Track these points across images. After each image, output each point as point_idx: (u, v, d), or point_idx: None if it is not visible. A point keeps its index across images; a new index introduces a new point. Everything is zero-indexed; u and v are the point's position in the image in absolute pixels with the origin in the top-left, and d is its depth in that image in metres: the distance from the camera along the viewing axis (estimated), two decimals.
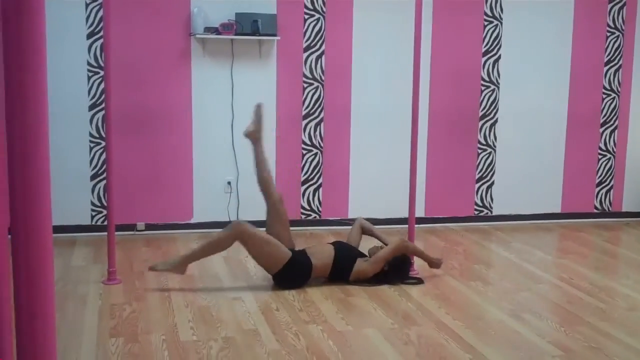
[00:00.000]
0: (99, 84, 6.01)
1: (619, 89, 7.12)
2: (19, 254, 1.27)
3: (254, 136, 5.16)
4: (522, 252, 5.99)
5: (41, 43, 1.36)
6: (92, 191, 6.16)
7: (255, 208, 6.43)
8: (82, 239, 6.05)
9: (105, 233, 5.04)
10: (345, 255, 5.07)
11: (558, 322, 4.36)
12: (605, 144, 7.16)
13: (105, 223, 5.34)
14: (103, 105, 5.79)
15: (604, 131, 7.14)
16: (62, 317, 4.25)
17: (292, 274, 4.90)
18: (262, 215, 6.39)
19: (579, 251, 6.11)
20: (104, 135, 5.95)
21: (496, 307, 4.62)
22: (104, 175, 5.95)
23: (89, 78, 6.03)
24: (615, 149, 7.20)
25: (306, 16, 6.36)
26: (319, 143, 6.53)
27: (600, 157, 7.18)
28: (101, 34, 5.84)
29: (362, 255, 5.13)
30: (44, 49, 1.38)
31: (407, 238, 5.30)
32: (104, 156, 5.99)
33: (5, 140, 1.29)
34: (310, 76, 6.43)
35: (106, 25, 4.75)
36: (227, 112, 6.31)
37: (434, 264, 5.24)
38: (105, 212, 6.02)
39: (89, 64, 6.01)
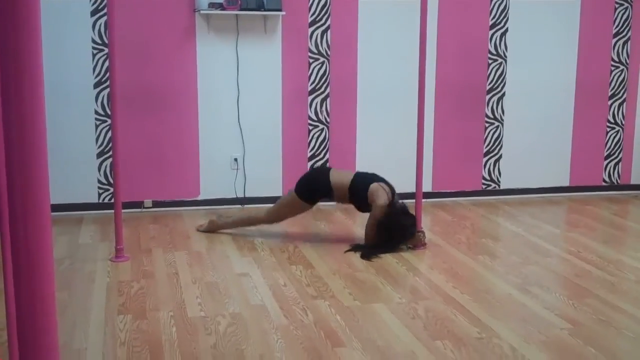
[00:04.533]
0: (103, 62, 5.99)
1: (628, 61, 7.05)
2: (17, 236, 1.27)
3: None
4: (530, 226, 5.98)
5: (36, 24, 1.34)
6: (99, 169, 6.16)
7: (261, 184, 6.46)
8: (89, 217, 6.06)
9: (112, 211, 5.05)
10: (361, 180, 5.35)
11: (566, 295, 4.35)
12: (613, 117, 7.11)
13: (112, 201, 5.34)
14: (108, 82, 5.77)
15: (612, 103, 7.09)
16: (70, 295, 4.27)
17: (309, 183, 5.46)
18: (268, 192, 6.45)
19: (587, 224, 6.09)
20: (109, 113, 5.93)
21: (504, 280, 4.62)
22: (110, 153, 5.94)
23: (94, 55, 6.01)
24: (623, 122, 7.15)
25: None
26: (325, 118, 6.51)
27: (608, 129, 7.13)
28: (105, 11, 5.82)
29: (381, 180, 5.34)
30: (38, 29, 1.36)
31: (415, 212, 5.30)
32: (109, 134, 5.98)
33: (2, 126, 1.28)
34: (315, 51, 6.40)
35: (110, 2, 4.71)
36: (233, 88, 6.29)
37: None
38: (112, 189, 6.02)
39: (93, 41, 5.99)
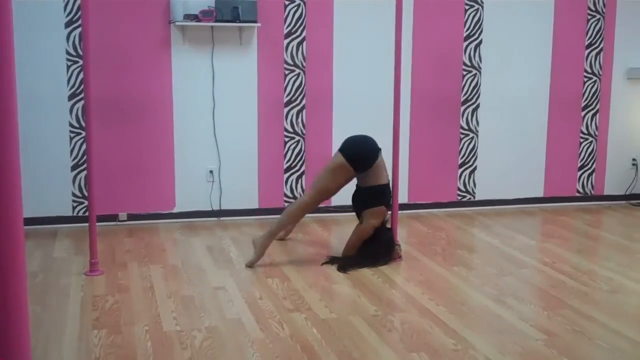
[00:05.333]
0: (78, 74, 5.96)
1: (600, 72, 7.13)
2: None
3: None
4: (505, 237, 6.01)
5: (8, 34, 1.33)
6: (73, 182, 6.11)
7: (237, 197, 6.44)
8: (64, 231, 6.01)
9: (87, 224, 5.01)
10: (377, 192, 5.24)
11: (541, 306, 4.37)
12: (587, 127, 7.18)
13: (87, 214, 5.30)
14: (83, 94, 5.74)
15: (585, 114, 7.16)
16: (44, 309, 4.22)
17: (361, 147, 5.30)
18: (244, 204, 6.44)
19: (561, 235, 6.13)
20: (84, 125, 5.90)
21: (479, 292, 4.63)
22: (85, 165, 5.90)
23: (68, 67, 5.97)
24: (597, 132, 7.22)
25: (287, 2, 6.32)
26: (301, 130, 6.51)
27: (582, 140, 7.20)
28: (79, 22, 5.79)
29: (390, 204, 5.29)
30: (11, 40, 1.35)
31: (391, 224, 5.31)
32: (84, 146, 5.94)
33: None
34: (291, 63, 6.40)
35: (84, 13, 4.70)
36: (208, 100, 6.28)
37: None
38: (86, 202, 5.97)
39: (67, 53, 5.95)
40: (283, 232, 5.57)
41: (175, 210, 6.36)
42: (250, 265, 5.06)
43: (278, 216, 6.36)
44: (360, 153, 5.25)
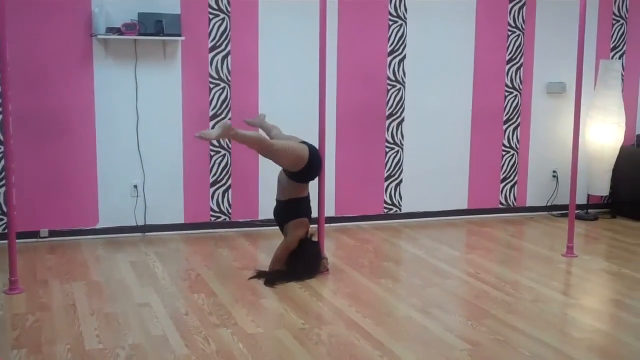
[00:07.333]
0: None
1: (521, 87, 7.29)
2: None
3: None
4: (430, 249, 6.08)
5: None
6: None
7: (162, 212, 6.36)
8: None
9: (6, 241, 4.87)
10: (298, 204, 5.33)
11: (466, 316, 4.43)
12: (508, 141, 7.33)
13: (6, 230, 5.16)
14: (1, 109, 5.59)
15: (507, 128, 7.31)
16: None
17: (315, 164, 5.23)
18: (169, 219, 6.36)
19: (485, 246, 6.24)
20: (3, 140, 5.74)
21: (405, 303, 4.67)
22: (4, 181, 5.75)
23: None
24: (518, 145, 7.38)
25: (211, 16, 6.29)
26: (227, 144, 6.47)
27: (504, 153, 7.34)
28: None
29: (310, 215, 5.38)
30: None
31: (317, 238, 5.31)
32: (3, 161, 5.79)
33: None
34: (216, 77, 6.36)
35: (1, 24, 4.59)
36: (132, 114, 6.19)
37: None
38: (5, 219, 5.81)
39: None
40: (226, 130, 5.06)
41: (99, 225, 6.24)
42: (204, 136, 5.01)
43: (204, 230, 6.34)
44: (318, 168, 5.28)
